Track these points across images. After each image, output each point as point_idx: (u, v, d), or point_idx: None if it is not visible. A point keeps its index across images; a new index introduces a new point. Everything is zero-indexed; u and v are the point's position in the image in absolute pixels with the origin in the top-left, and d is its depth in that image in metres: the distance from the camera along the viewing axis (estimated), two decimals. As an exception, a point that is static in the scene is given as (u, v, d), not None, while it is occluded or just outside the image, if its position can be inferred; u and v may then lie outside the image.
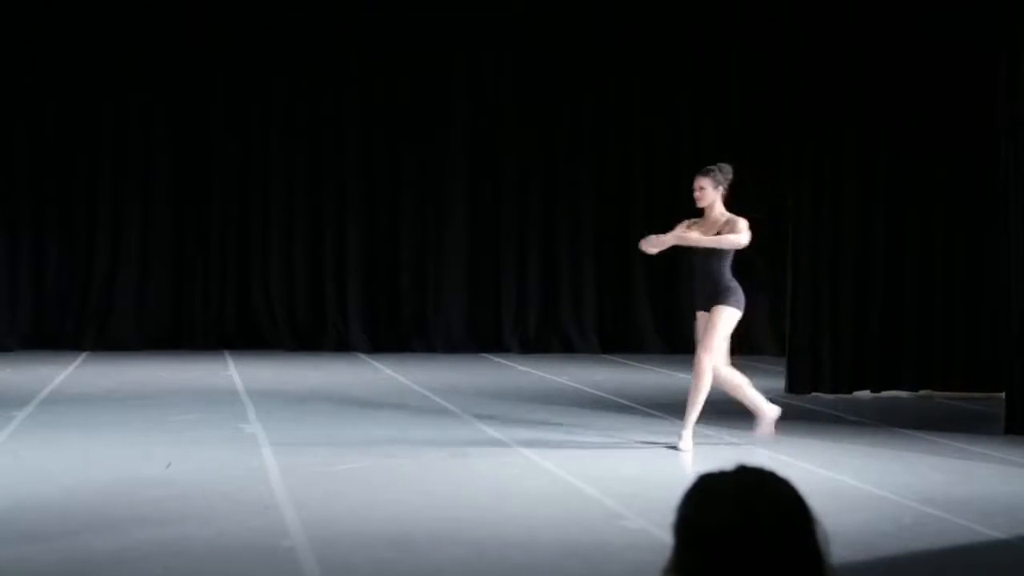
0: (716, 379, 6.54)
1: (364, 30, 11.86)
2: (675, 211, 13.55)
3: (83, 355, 10.95)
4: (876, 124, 9.11)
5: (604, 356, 11.96)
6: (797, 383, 9.13)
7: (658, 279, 12.51)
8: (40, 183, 11.53)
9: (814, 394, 9.06)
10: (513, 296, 12.24)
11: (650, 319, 12.41)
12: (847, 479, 5.85)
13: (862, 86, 9.07)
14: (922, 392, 9.22)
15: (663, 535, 4.61)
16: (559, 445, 6.63)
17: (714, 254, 6.53)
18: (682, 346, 12.53)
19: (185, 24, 11.61)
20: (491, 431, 7.07)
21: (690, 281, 6.97)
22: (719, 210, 6.60)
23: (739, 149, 12.29)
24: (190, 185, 11.82)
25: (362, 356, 11.44)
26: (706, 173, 6.71)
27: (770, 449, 6.55)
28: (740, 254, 6.66)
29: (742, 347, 12.37)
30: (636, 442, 6.87)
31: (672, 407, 8.21)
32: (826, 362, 9.13)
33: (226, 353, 11.24)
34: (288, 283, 11.98)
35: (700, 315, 6.59)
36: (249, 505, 5.04)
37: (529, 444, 6.62)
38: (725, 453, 6.44)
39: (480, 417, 7.57)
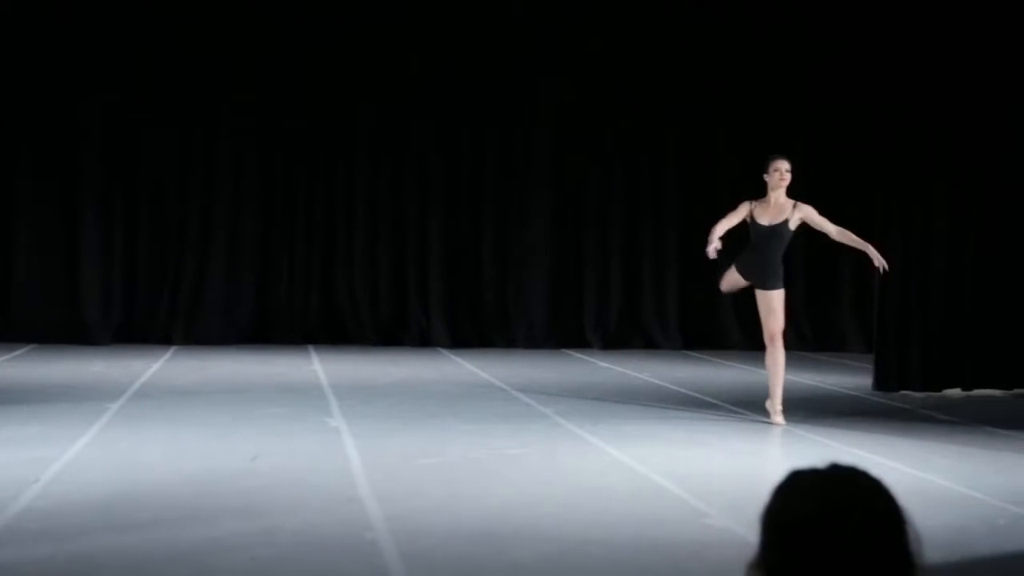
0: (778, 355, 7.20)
1: (447, 28, 11.91)
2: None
3: (172, 349, 11.20)
4: (969, 122, 8.89)
5: (687, 352, 11.87)
6: (885, 380, 8.94)
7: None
8: (132, 182, 11.81)
9: (903, 392, 8.87)
10: (595, 292, 12.20)
11: (733, 315, 12.26)
12: (937, 479, 5.71)
13: (954, 89, 8.86)
14: (1016, 390, 8.96)
15: (747, 533, 4.55)
16: (641, 442, 6.58)
17: (785, 241, 7.11)
18: (764, 342, 12.36)
19: (273, 38, 11.77)
20: (572, 427, 7.06)
21: (747, 255, 7.32)
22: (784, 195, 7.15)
23: (828, 147, 12.12)
24: (275, 183, 12.00)
25: (443, 351, 11.51)
26: (787, 160, 7.15)
27: (858, 448, 6.43)
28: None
29: (828, 343, 12.32)
30: (719, 440, 6.79)
31: (757, 404, 8.11)
32: (915, 359, 8.92)
33: (310, 348, 11.40)
34: (371, 279, 12.10)
35: (758, 293, 7.17)
36: (333, 498, 5.09)
37: (611, 441, 6.59)
38: (817, 452, 6.34)
39: (561, 413, 7.55)
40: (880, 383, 8.96)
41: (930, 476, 5.76)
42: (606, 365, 10.66)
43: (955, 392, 8.93)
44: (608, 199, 12.24)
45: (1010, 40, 8.81)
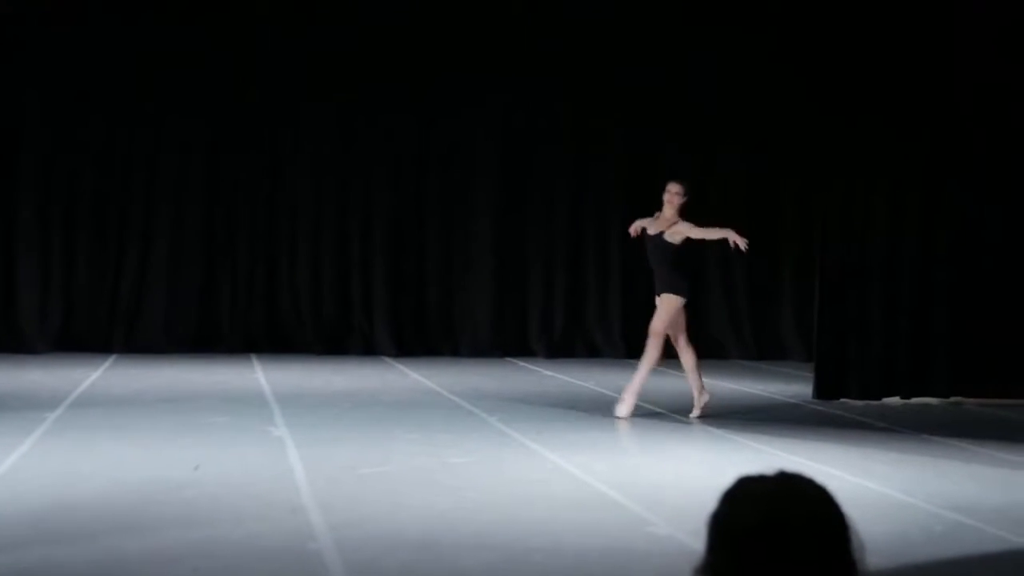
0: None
1: (387, 44, 11.89)
2: (702, 218, 13.52)
3: (112, 357, 11.03)
4: (906, 129, 9.05)
5: (630, 361, 11.94)
6: (825, 389, 9.07)
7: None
8: (71, 186, 11.63)
9: (842, 400, 9.00)
10: (539, 300, 12.24)
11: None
12: (876, 486, 5.81)
13: (891, 90, 9.02)
14: (953, 399, 9.14)
15: (690, 541, 4.59)
16: (585, 450, 6.61)
17: (666, 253, 7.91)
18: (709, 351, 12.53)
19: (217, 42, 11.66)
20: (517, 435, 7.07)
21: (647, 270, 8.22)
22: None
23: (766, 156, 12.28)
24: (219, 189, 11.89)
25: (388, 360, 11.47)
26: (682, 182, 8.07)
27: (798, 455, 6.52)
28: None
29: (769, 352, 12.47)
30: (662, 447, 6.84)
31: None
32: (854, 368, 9.06)
33: (253, 356, 11.30)
34: (315, 286, 12.03)
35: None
36: (277, 508, 5.06)
37: (555, 449, 6.61)
38: (757, 459, 6.41)
39: (506, 421, 7.57)
40: (820, 391, 9.09)
41: (868, 483, 5.86)
42: (550, 373, 10.69)
43: (894, 400, 9.08)
44: (552, 208, 12.29)
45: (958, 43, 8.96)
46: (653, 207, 12.13)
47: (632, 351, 12.19)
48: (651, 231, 7.99)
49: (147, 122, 11.61)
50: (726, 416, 8.05)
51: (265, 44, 11.73)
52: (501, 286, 12.24)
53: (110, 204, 11.69)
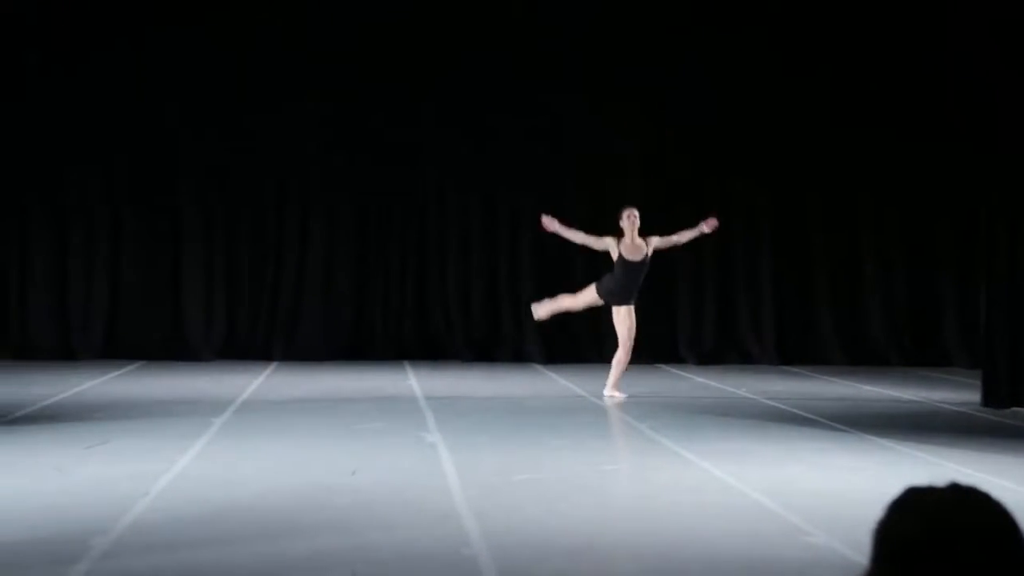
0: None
1: (545, 66, 11.96)
2: (855, 220, 13.10)
3: (273, 365, 11.43)
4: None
5: (783, 368, 11.69)
6: (994, 397, 8.67)
7: (840, 288, 12.16)
8: (233, 204, 12.10)
9: (1013, 409, 8.58)
10: (689, 307, 12.10)
11: (832, 329, 12.06)
12: (1050, 498, 5.51)
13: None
14: None
15: (849, 552, 4.46)
16: (738, 458, 6.50)
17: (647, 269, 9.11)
18: (864, 357, 12.18)
19: (357, 46, 11.96)
20: (668, 443, 7.00)
21: (612, 283, 9.12)
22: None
23: (926, 152, 11.85)
24: (371, 204, 12.19)
25: (537, 366, 11.52)
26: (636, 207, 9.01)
27: (964, 465, 6.25)
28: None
29: (931, 359, 12.02)
30: (819, 456, 6.66)
31: (856, 419, 7.94)
32: (1026, 374, 8.63)
33: (406, 363, 11.52)
34: (465, 295, 12.20)
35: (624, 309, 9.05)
36: (431, 513, 5.13)
37: (707, 456, 6.51)
38: (920, 469, 6.18)
39: (656, 429, 7.50)
40: (989, 399, 8.69)
41: (1042, 495, 5.57)
42: (701, 380, 10.55)
43: (1070, 409, 8.61)
44: (700, 212, 12.12)
45: None
46: (800, 212, 11.96)
47: (786, 359, 11.95)
48: (634, 257, 8.89)
49: (299, 141, 11.97)
50: (889, 425, 7.78)
51: (419, 72, 11.95)
52: (650, 292, 12.13)
53: (268, 221, 12.12)
